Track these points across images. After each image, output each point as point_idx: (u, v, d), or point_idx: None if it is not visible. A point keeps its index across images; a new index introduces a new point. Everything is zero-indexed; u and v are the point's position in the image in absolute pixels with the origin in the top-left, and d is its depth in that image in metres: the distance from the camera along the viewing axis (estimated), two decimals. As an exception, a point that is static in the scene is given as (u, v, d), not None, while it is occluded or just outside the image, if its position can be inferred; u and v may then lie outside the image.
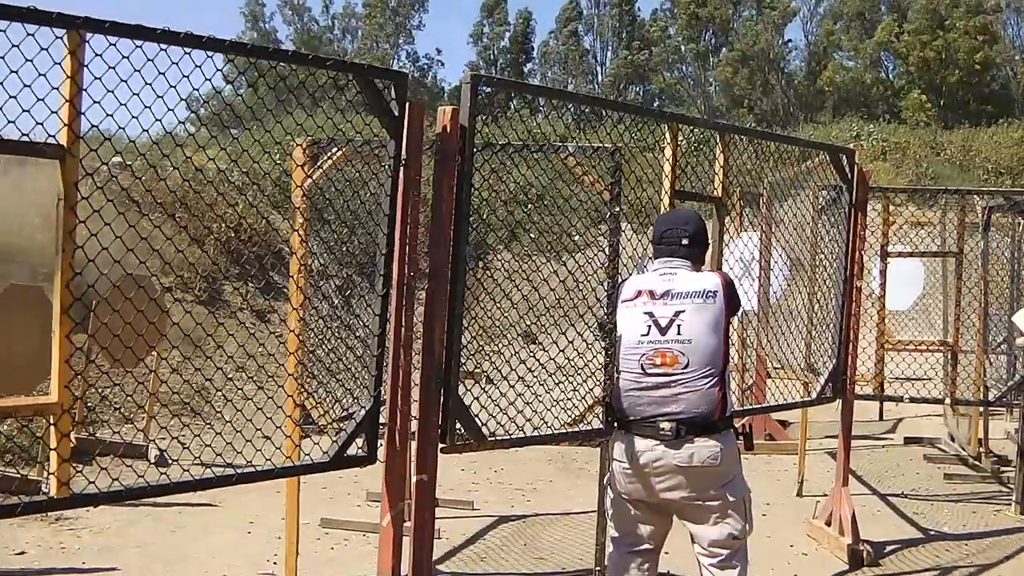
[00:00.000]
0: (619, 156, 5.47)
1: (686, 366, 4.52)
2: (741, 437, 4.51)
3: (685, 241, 4.80)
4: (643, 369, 4.61)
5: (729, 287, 4.70)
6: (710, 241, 5.10)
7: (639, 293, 4.74)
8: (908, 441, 11.60)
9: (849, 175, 6.92)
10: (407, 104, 4.30)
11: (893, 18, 55.79)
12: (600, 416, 5.36)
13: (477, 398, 4.74)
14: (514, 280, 5.67)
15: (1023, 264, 8.96)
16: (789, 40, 61.21)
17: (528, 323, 5.96)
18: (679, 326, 4.57)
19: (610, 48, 64.33)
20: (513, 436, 4.92)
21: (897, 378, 10.29)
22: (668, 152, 5.60)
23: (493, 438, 4.77)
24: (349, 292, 6.12)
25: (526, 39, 65.83)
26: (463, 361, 4.67)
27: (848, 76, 55.56)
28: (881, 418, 12.86)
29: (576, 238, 5.48)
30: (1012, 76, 55.81)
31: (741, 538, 4.63)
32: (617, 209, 5.39)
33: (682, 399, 4.50)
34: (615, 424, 4.79)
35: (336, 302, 6.22)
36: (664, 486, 4.55)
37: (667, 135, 5.61)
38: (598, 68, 64.74)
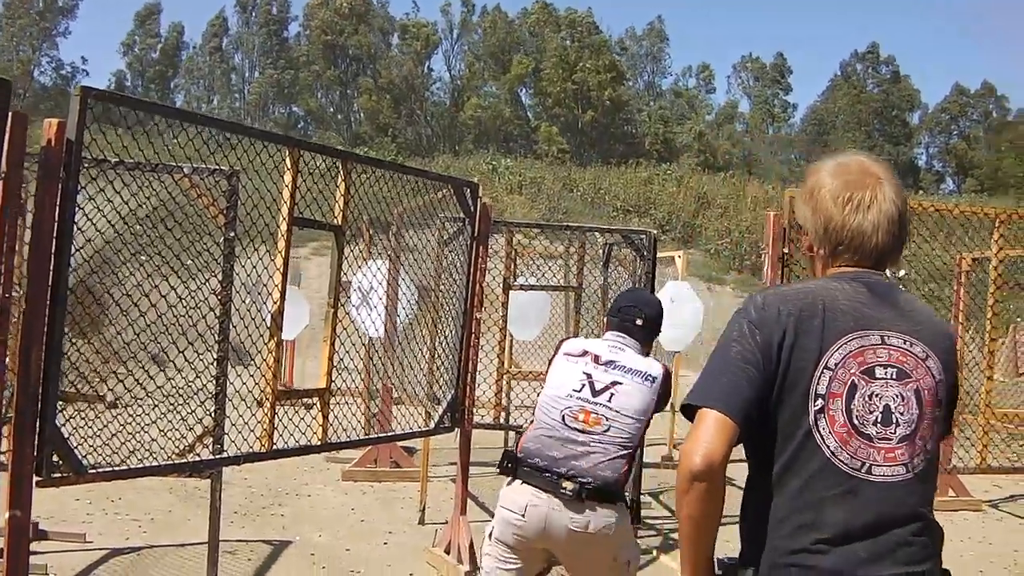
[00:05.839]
0: (236, 180, 5.33)
1: (605, 431, 4.49)
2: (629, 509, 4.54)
3: (639, 322, 4.83)
4: (563, 420, 4.56)
5: (667, 381, 4.71)
6: (660, 330, 5.08)
7: (585, 352, 4.75)
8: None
9: (472, 208, 7.04)
10: (8, 113, 4.01)
11: (526, 57, 58.48)
12: (210, 447, 5.18)
13: (78, 429, 4.49)
14: (134, 300, 5.42)
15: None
16: (432, 70, 62.88)
17: (140, 345, 5.69)
18: (612, 395, 4.57)
19: (257, 68, 63.81)
20: (116, 468, 4.70)
21: (527, 406, 10.59)
22: (287, 178, 5.51)
23: (95, 470, 4.53)
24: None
25: (177, 52, 64.45)
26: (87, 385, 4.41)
27: (489, 112, 57.47)
28: (506, 445, 13.17)
29: (188, 262, 5.28)
30: (642, 119, 59.42)
31: None
32: (232, 234, 5.25)
33: (591, 459, 4.44)
34: (511, 470, 4.62)
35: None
36: (554, 542, 4.51)
37: (287, 160, 5.51)
38: (244, 86, 64.01)
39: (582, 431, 4.53)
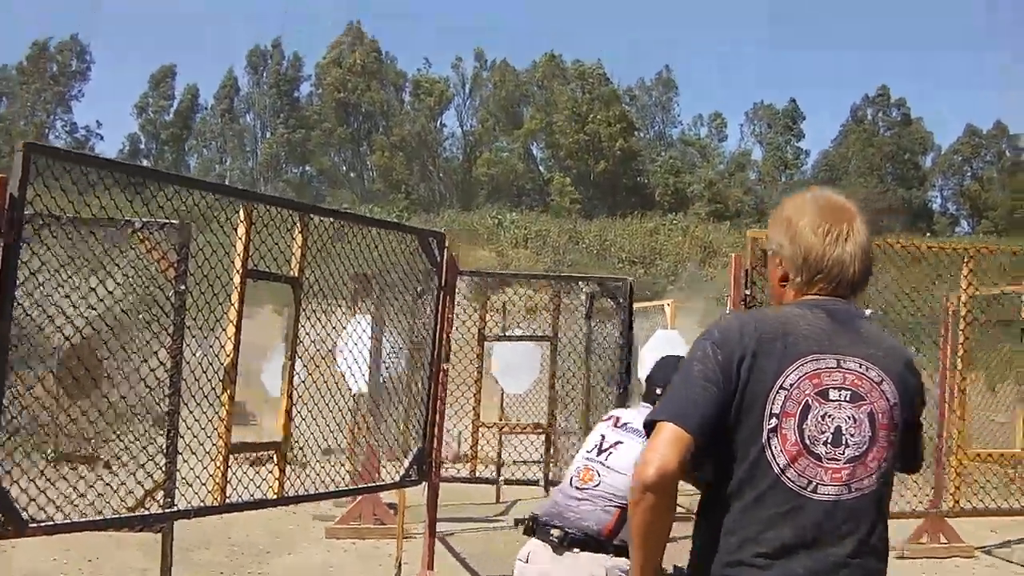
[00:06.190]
0: (187, 233, 5.36)
1: (596, 486, 4.66)
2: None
3: (658, 391, 4.93)
4: (570, 480, 4.78)
5: None
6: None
7: (611, 417, 5.00)
8: (518, 523, 11.74)
9: (439, 259, 7.02)
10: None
11: (539, 111, 58.77)
12: (160, 501, 5.15)
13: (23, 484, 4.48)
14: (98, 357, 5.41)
15: (632, 349, 9.29)
16: (445, 125, 63.22)
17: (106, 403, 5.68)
18: (611, 453, 4.75)
19: (268, 128, 64.19)
20: (59, 523, 4.69)
21: (515, 461, 10.51)
22: (241, 231, 5.52)
23: (36, 524, 4.52)
24: None
25: (191, 114, 64.83)
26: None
27: (501, 167, 57.74)
28: (498, 500, 13.01)
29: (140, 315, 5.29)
30: (653, 169, 59.47)
31: None
32: (182, 287, 5.27)
33: (580, 511, 4.61)
34: (531, 529, 4.81)
35: None
36: None
37: (241, 213, 5.54)
38: (257, 147, 64.38)
39: (579, 488, 4.72)
